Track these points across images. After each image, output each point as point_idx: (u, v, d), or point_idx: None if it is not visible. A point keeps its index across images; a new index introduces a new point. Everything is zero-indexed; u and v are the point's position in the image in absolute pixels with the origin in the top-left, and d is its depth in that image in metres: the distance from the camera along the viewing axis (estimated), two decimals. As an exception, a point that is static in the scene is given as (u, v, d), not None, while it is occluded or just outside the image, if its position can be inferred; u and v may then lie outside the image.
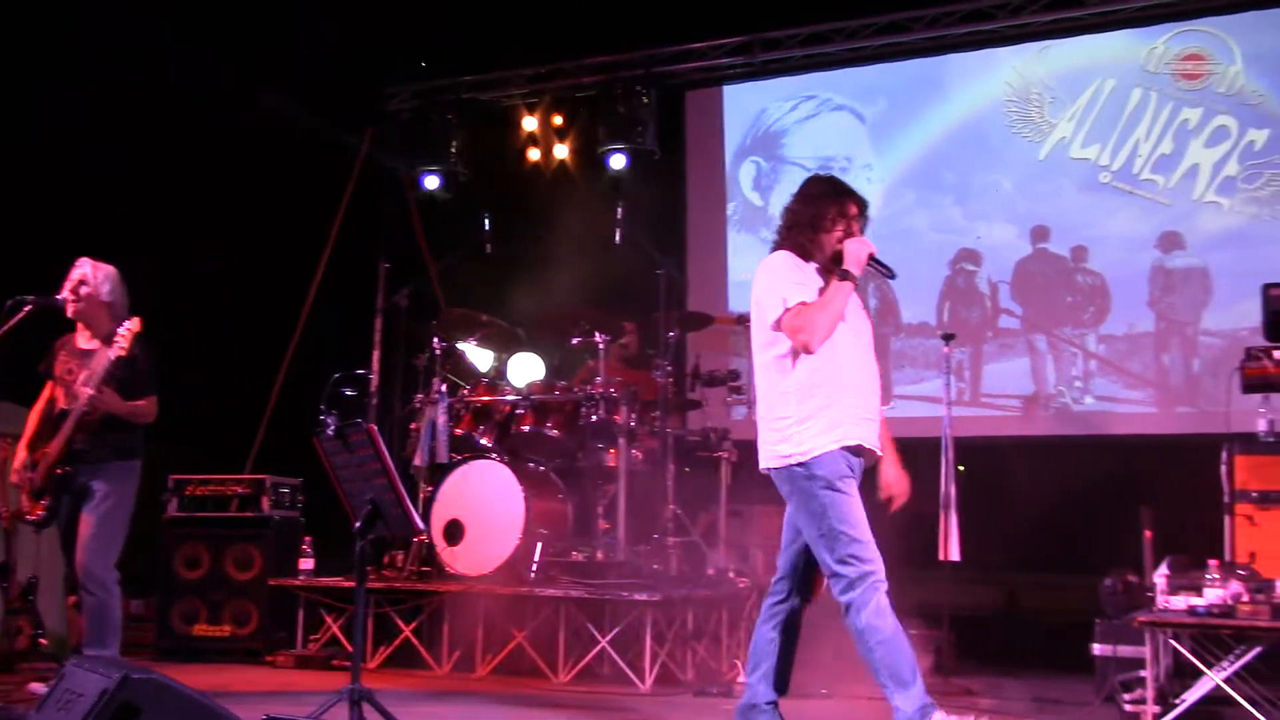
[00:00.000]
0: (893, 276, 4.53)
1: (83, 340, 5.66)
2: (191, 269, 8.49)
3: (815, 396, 4.22)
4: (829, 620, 6.42)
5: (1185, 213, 8.12)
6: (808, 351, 4.21)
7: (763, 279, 4.39)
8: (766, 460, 4.33)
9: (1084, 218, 8.41)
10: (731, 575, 6.81)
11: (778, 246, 4.48)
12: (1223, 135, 8.05)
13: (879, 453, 4.38)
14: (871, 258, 4.36)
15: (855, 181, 8.92)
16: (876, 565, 4.13)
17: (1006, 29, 8.55)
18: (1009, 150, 8.65)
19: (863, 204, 4.52)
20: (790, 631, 4.54)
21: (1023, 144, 8.61)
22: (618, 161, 9.09)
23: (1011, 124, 8.66)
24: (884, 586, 4.12)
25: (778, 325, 4.25)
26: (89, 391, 5.37)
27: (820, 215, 4.43)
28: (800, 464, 4.19)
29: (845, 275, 4.28)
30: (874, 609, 4.10)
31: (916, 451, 7.04)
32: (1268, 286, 5.39)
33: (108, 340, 5.42)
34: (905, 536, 6.52)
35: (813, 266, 4.40)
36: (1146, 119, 8.26)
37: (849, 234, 4.40)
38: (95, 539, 5.45)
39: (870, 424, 4.30)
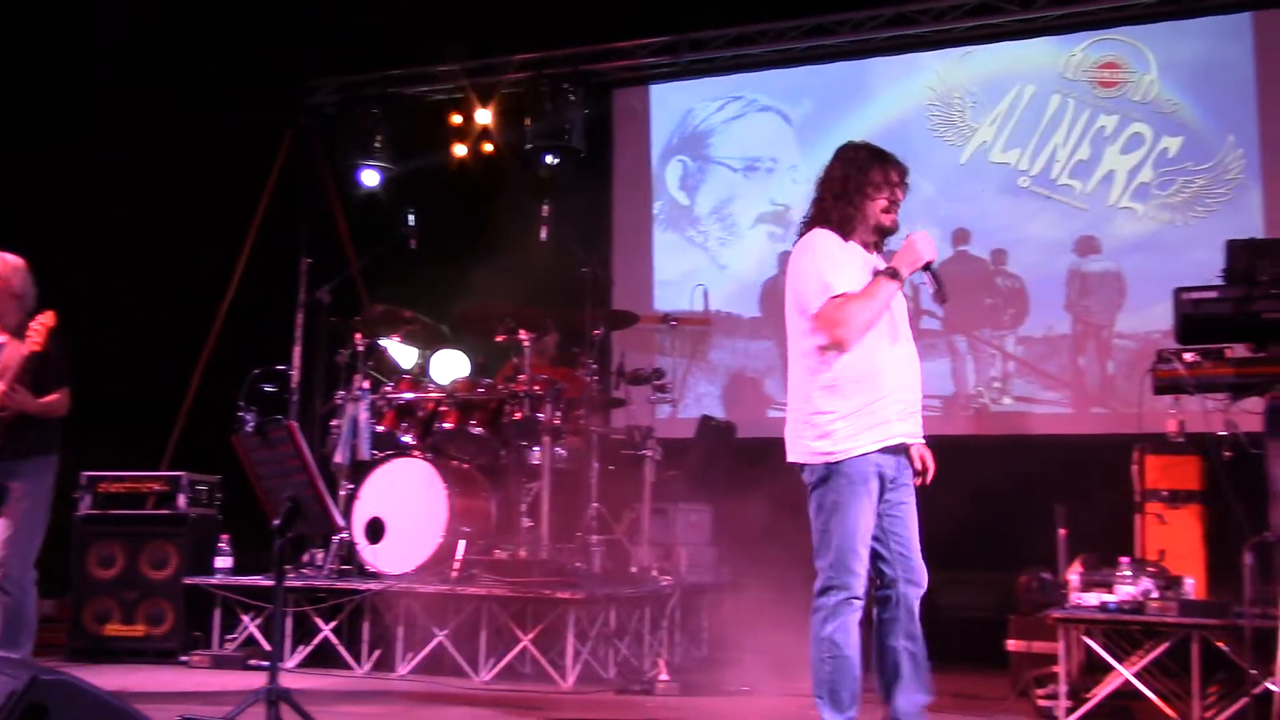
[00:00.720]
0: (943, 300, 4.25)
1: None
2: (107, 261, 8.32)
3: (861, 392, 4.02)
4: (751, 618, 6.49)
5: (1101, 217, 8.29)
6: (840, 349, 4.00)
7: (804, 259, 4.09)
8: (799, 454, 4.12)
9: (1003, 221, 8.56)
10: (655, 573, 6.83)
11: (817, 220, 4.18)
12: (1138, 142, 8.23)
13: (921, 441, 4.18)
14: (928, 266, 4.11)
15: (781, 183, 9.18)
16: (859, 584, 4.02)
17: (930, 34, 8.67)
18: (931, 153, 8.76)
19: (904, 170, 4.25)
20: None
21: (945, 148, 8.73)
22: (547, 159, 9.06)
23: (934, 128, 8.78)
24: (860, 604, 4.03)
25: (817, 314, 4.02)
26: (2, 388, 5.25)
27: (865, 181, 4.16)
28: (836, 461, 4.01)
29: (894, 274, 4.06)
30: (841, 625, 4.00)
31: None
32: (1179, 290, 5.50)
33: (17, 333, 5.31)
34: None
35: (855, 245, 4.14)
36: (1065, 125, 8.42)
37: (893, 202, 4.18)
38: (14, 538, 5.35)
39: (914, 418, 4.14)
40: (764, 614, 6.36)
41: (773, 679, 6.03)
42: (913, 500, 4.21)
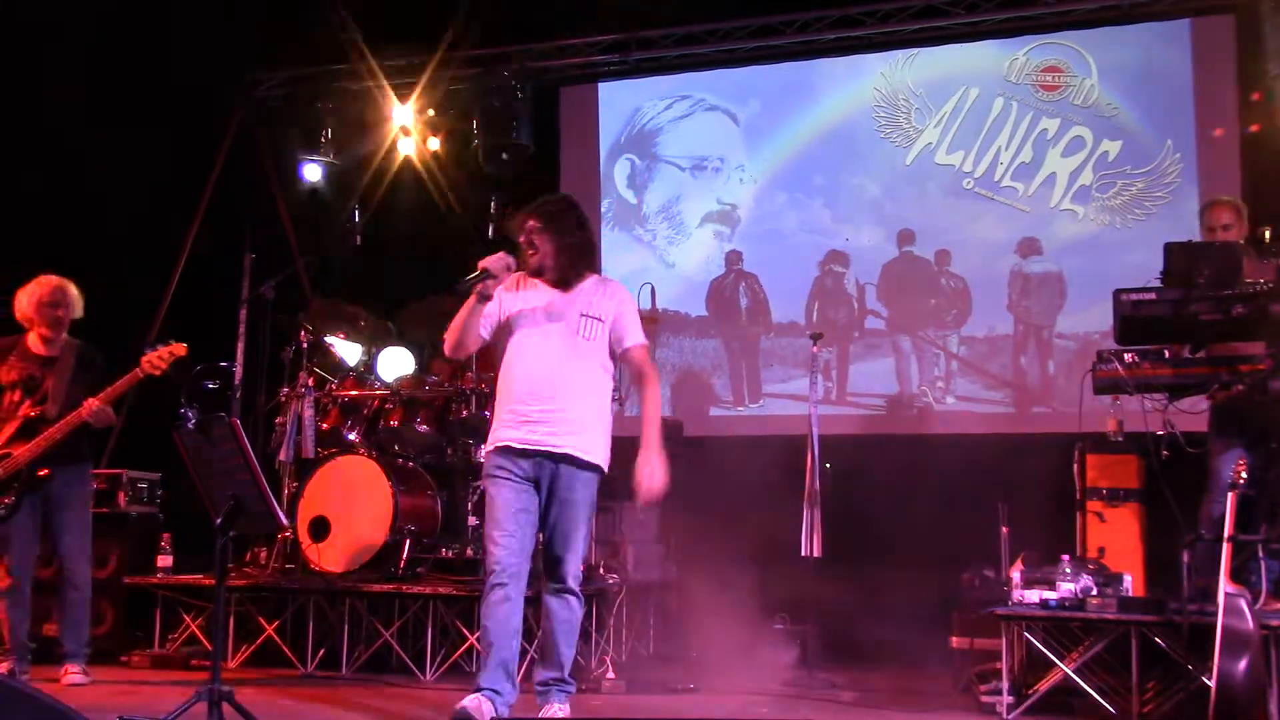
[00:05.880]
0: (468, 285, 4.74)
1: (39, 346, 6.02)
2: (47, 255, 8.17)
3: (498, 398, 4.79)
4: (697, 615, 6.51)
5: (1043, 219, 8.40)
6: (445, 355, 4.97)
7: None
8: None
9: (948, 222, 8.64)
10: (601, 571, 6.83)
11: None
12: (1079, 145, 8.34)
13: (547, 448, 4.63)
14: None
15: (729, 182, 9.22)
16: (494, 564, 4.59)
17: (875, 35, 8.73)
18: (877, 154, 8.84)
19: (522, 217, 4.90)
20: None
21: (890, 149, 8.80)
22: (494, 156, 9.02)
23: (879, 129, 8.84)
24: (496, 583, 4.57)
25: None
26: (96, 404, 5.76)
27: None
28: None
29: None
30: (485, 602, 4.60)
31: (783, 449, 7.20)
32: (1118, 292, 5.57)
33: (63, 349, 5.99)
34: (770, 533, 6.65)
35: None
36: (1008, 127, 8.52)
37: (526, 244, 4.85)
38: (82, 542, 5.96)
39: (530, 425, 4.64)
40: (710, 611, 6.39)
41: (718, 676, 6.06)
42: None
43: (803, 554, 6.32)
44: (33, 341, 6.05)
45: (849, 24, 8.71)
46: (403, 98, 9.42)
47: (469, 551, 6.65)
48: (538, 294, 4.83)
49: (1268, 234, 5.81)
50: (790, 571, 6.54)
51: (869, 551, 7.22)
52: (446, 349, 4.85)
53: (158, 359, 5.64)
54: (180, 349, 5.68)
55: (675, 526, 7.38)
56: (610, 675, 5.99)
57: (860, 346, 8.74)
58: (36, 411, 5.87)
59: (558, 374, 4.68)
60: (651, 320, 8.61)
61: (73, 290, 6.10)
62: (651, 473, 4.64)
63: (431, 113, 9.37)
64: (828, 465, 6.59)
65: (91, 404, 5.77)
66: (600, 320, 4.77)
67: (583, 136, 9.65)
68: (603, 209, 9.55)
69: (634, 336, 4.84)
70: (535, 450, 4.64)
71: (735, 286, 9.08)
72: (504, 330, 4.84)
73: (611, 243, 9.49)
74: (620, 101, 9.61)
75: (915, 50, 8.78)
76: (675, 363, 9.13)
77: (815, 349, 6.76)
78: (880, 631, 6.71)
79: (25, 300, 6.05)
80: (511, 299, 4.84)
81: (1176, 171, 8.11)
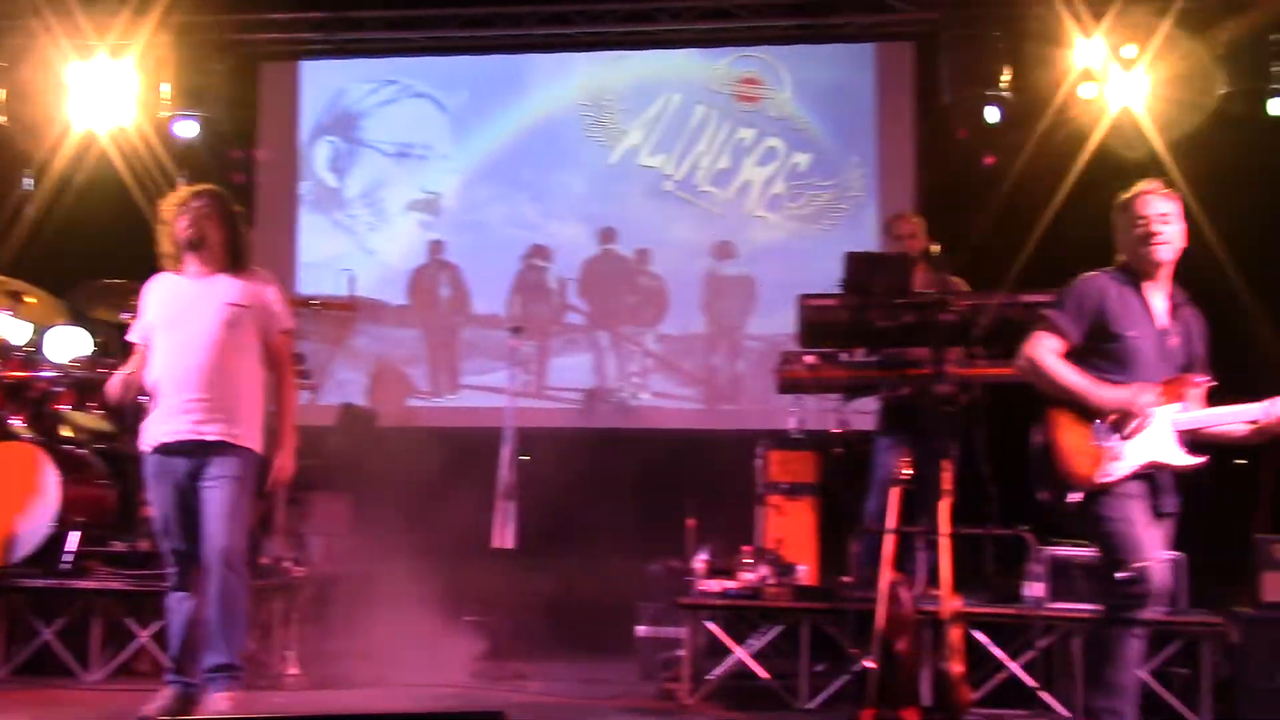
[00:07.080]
0: None
1: None
2: None
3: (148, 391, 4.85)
4: (387, 608, 6.41)
5: (738, 225, 8.75)
6: None
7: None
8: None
9: (648, 223, 8.86)
10: (286, 563, 6.60)
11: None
12: (772, 156, 8.74)
13: (196, 437, 4.68)
14: None
15: (434, 171, 9.13)
16: (166, 564, 4.87)
17: (583, 35, 8.85)
18: (582, 152, 8.96)
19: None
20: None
21: (595, 147, 8.94)
22: (187, 129, 8.57)
23: (586, 128, 8.97)
24: (168, 581, 4.85)
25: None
26: None
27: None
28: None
29: None
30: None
31: (480, 440, 7.20)
32: (802, 297, 5.88)
33: None
34: (465, 525, 6.63)
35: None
36: (708, 134, 8.82)
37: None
38: None
39: (178, 416, 4.68)
40: (401, 605, 6.31)
41: (407, 669, 5.99)
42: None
43: (496, 546, 6.34)
44: None
45: (559, 21, 8.78)
46: (86, 59, 8.75)
47: (144, 544, 6.29)
48: (183, 283, 4.82)
49: (937, 249, 6.26)
50: (484, 564, 6.55)
51: (563, 544, 7.31)
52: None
53: None
54: None
55: (367, 518, 7.24)
56: (294, 670, 5.82)
57: (560, 341, 8.84)
58: None
59: (204, 363, 4.69)
60: (349, 307, 8.45)
61: None
62: (284, 465, 4.91)
63: (119, 80, 8.76)
64: (525, 457, 6.63)
65: None
66: (248, 308, 4.81)
67: (282, 116, 9.31)
68: (301, 191, 9.26)
69: (282, 324, 4.96)
70: (186, 440, 4.68)
71: (437, 276, 9.00)
72: (151, 328, 4.85)
73: (310, 226, 9.21)
74: (324, 82, 9.33)
75: (622, 52, 8.96)
76: (373, 351, 8.96)
77: (515, 342, 6.79)
78: (572, 622, 6.81)
79: None
80: (157, 295, 4.86)
81: (860, 186, 8.63)
